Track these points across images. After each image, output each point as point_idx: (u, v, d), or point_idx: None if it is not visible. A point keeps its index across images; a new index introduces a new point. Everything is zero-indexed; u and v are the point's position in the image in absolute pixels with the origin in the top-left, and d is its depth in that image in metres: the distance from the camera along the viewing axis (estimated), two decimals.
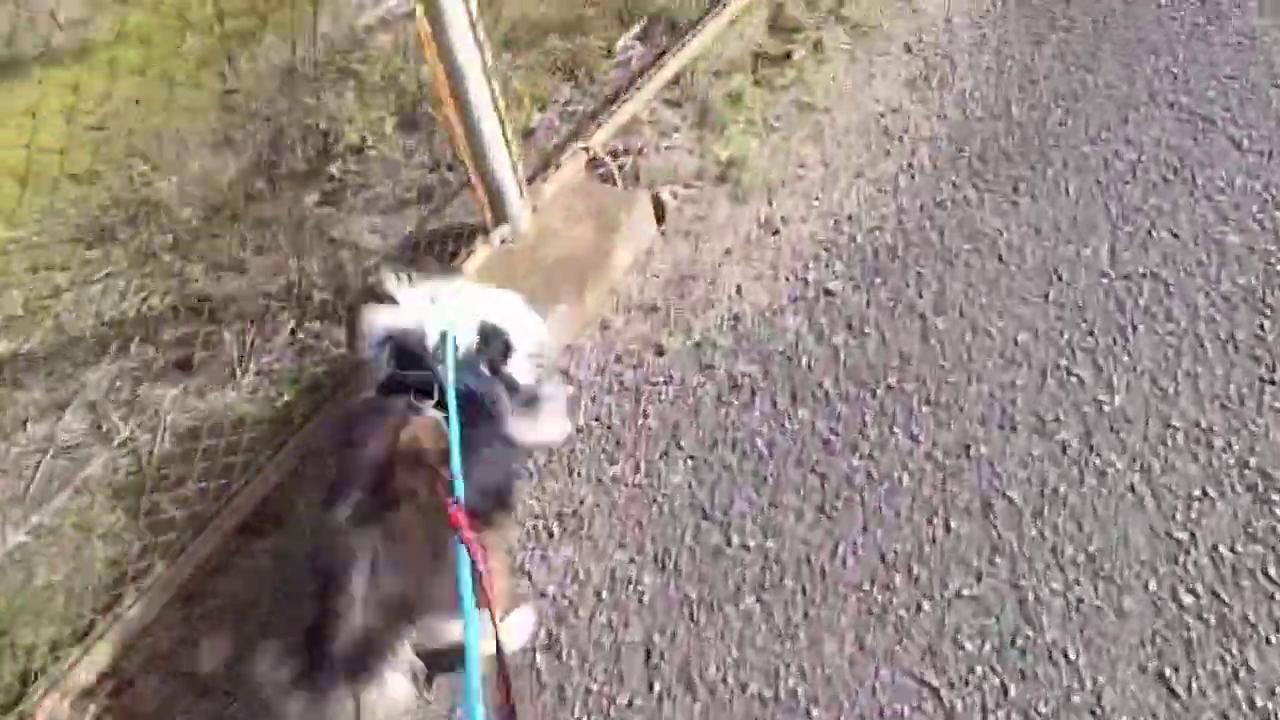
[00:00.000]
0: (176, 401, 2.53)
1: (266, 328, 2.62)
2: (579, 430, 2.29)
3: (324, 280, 2.66)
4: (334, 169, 3.08)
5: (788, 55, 3.19)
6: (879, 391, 2.25)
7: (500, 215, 2.52)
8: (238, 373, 2.55)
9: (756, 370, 2.35)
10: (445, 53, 2.15)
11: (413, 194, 2.97)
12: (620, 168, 2.90)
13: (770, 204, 2.74)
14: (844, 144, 2.89)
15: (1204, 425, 2.08)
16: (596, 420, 2.31)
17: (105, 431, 2.47)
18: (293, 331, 2.56)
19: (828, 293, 2.48)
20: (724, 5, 3.30)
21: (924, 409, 2.20)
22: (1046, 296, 2.38)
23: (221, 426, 2.39)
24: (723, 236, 2.68)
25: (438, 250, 2.58)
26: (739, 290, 2.53)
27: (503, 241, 2.53)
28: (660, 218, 2.76)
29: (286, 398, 2.44)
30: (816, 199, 2.74)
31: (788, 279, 2.55)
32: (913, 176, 2.76)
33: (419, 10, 2.06)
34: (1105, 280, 2.39)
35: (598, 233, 2.59)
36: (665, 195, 2.78)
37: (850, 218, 2.67)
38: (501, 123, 2.37)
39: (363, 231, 2.88)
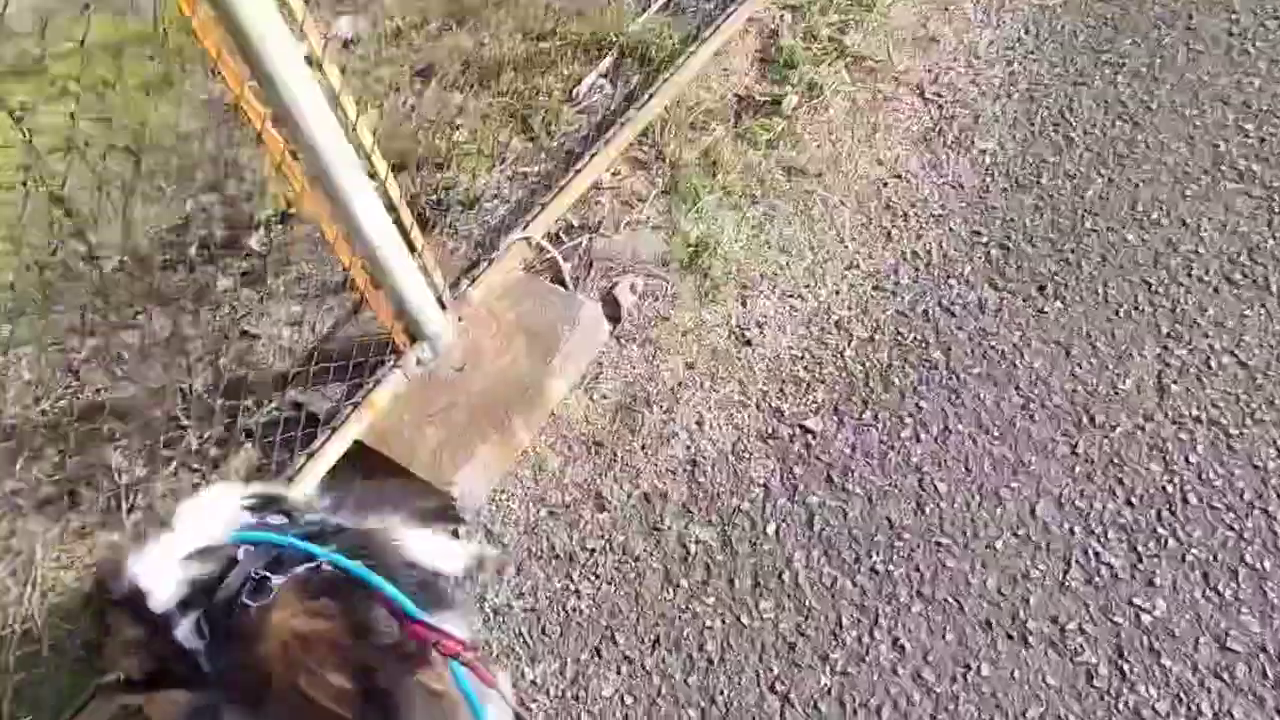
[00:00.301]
0: (54, 542, 2.15)
1: (158, 455, 2.21)
2: (495, 612, 1.86)
3: (224, 397, 2.23)
4: (255, 241, 2.63)
5: (777, 102, 2.63)
6: (859, 577, 1.78)
7: (415, 333, 2.06)
8: (123, 509, 2.16)
9: (713, 537, 1.89)
10: (303, 148, 1.66)
11: (339, 274, 2.52)
12: (576, 247, 2.41)
13: (744, 303, 2.24)
14: (836, 223, 2.36)
15: (1273, 650, 1.59)
16: (520, 598, 1.88)
17: None
18: (194, 458, 2.15)
19: (805, 431, 2.00)
20: (706, 37, 2.74)
21: (914, 605, 1.73)
22: (1074, 447, 1.87)
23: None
24: (685, 346, 2.19)
25: (337, 373, 2.13)
26: (699, 423, 2.06)
27: (419, 363, 2.08)
28: (616, 317, 2.27)
29: None
30: (799, 297, 2.23)
31: (759, 408, 2.06)
32: (917, 269, 2.23)
33: (226, 77, 1.54)
34: (1149, 426, 1.87)
35: (536, 349, 2.12)
36: (623, 288, 2.29)
37: (838, 325, 2.16)
38: (404, 232, 1.89)
39: (281, 324, 2.44)
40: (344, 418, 2.00)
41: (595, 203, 2.50)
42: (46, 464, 2.31)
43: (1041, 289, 2.12)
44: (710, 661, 1.73)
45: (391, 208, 1.87)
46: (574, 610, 1.84)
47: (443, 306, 2.09)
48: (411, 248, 1.94)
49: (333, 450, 1.98)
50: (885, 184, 2.41)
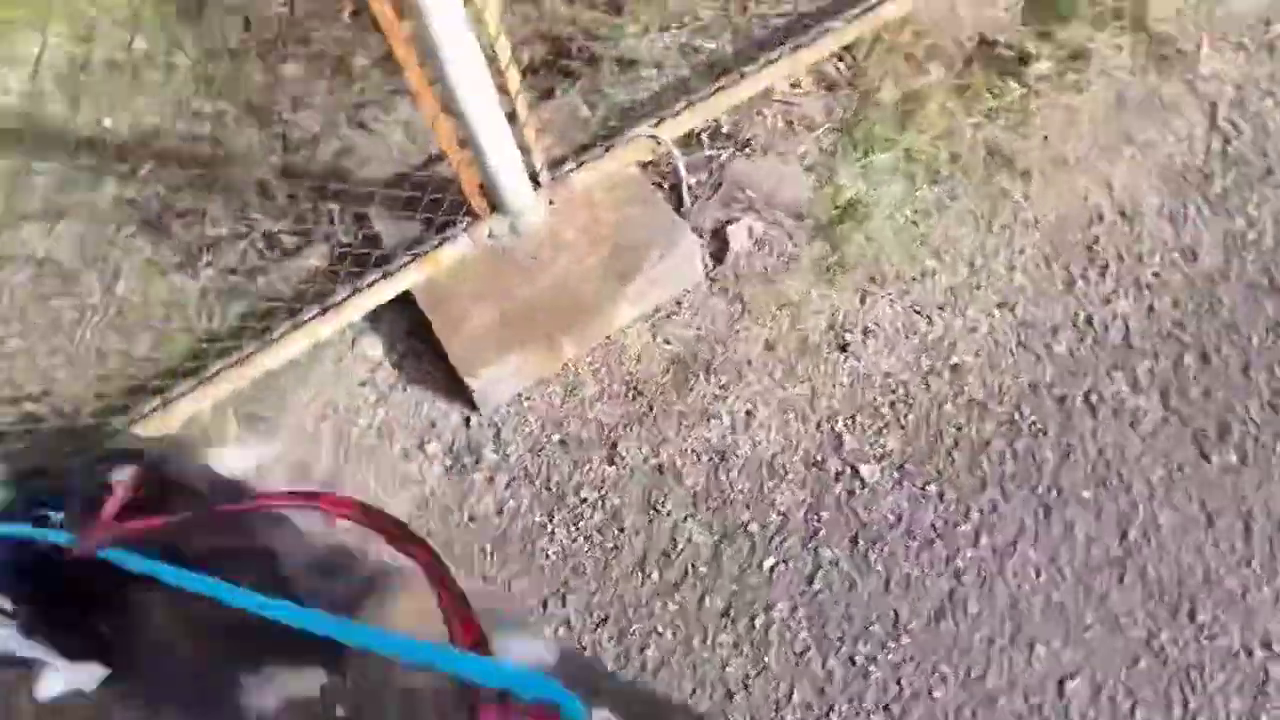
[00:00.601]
0: (140, 269, 2.20)
1: (250, 218, 2.17)
2: (472, 518, 1.77)
3: (316, 188, 2.13)
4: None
5: (1024, 61, 2.06)
6: (833, 660, 1.56)
7: (497, 205, 1.84)
8: (202, 259, 2.17)
9: (706, 545, 1.69)
10: None
11: None
12: (712, 159, 2.06)
13: (863, 299, 1.87)
14: (1016, 244, 1.88)
15: None
16: (499, 514, 1.78)
17: (68, 275, 2.21)
18: (263, 241, 2.09)
19: (855, 475, 1.70)
20: None
21: (875, 717, 1.51)
22: (1152, 637, 1.50)
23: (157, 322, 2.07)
24: (777, 322, 1.88)
25: (422, 207, 1.95)
26: (750, 414, 1.79)
27: (491, 236, 1.87)
28: (720, 257, 1.96)
29: (227, 317, 2.05)
30: (927, 318, 1.83)
31: (819, 428, 1.76)
32: (1082, 342, 1.77)
33: None
34: (1260, 654, 1.47)
35: (618, 264, 1.86)
36: (739, 228, 1.96)
37: (955, 370, 1.77)
38: (505, 92, 1.62)
39: (396, 130, 2.26)
40: (401, 263, 1.87)
41: (758, 113, 2.10)
42: (159, 185, 2.34)
43: (1223, 432, 1.64)
44: (644, 667, 1.60)
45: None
46: (541, 551, 1.73)
47: (536, 184, 1.85)
48: (513, 116, 1.68)
49: (381, 291, 1.86)
50: (1101, 217, 1.88)
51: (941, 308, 1.84)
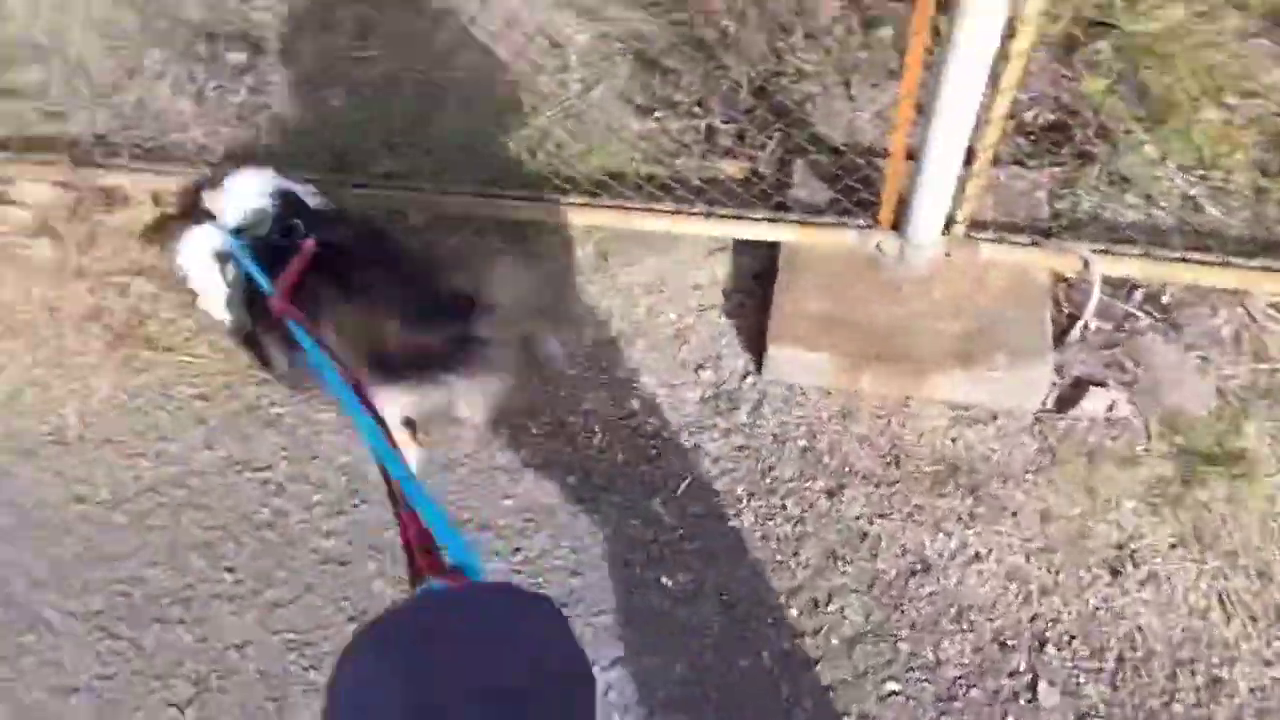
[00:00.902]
0: (611, 90, 2.47)
1: (708, 107, 2.33)
2: (679, 445, 1.87)
3: (772, 110, 2.23)
4: None
5: None
6: None
7: (900, 225, 1.81)
8: (655, 113, 2.39)
9: (854, 625, 1.63)
10: None
11: None
12: (1128, 316, 1.84)
13: (1173, 546, 1.61)
14: None
15: None
16: (714, 463, 1.85)
17: (564, 66, 2.55)
18: (704, 130, 2.25)
19: (1032, 685, 1.53)
20: None
21: None
22: None
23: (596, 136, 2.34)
24: (1068, 500, 1.69)
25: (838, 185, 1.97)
26: (977, 557, 1.65)
27: (878, 248, 1.86)
28: (1065, 406, 1.79)
29: (639, 168, 2.27)
30: (1228, 615, 1.54)
31: (1030, 621, 1.59)
32: None
33: None
34: None
35: (966, 349, 1.77)
36: (1103, 395, 1.75)
37: (1215, 681, 1.49)
38: (982, 134, 1.56)
39: (868, 109, 2.26)
40: (791, 218, 1.94)
41: (1212, 306, 1.83)
42: (665, 38, 2.57)
43: None
44: (727, 675, 1.64)
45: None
46: (722, 517, 1.79)
47: (947, 229, 1.80)
48: (970, 158, 1.63)
49: (760, 230, 1.95)
50: None
51: (1252, 616, 1.55)
